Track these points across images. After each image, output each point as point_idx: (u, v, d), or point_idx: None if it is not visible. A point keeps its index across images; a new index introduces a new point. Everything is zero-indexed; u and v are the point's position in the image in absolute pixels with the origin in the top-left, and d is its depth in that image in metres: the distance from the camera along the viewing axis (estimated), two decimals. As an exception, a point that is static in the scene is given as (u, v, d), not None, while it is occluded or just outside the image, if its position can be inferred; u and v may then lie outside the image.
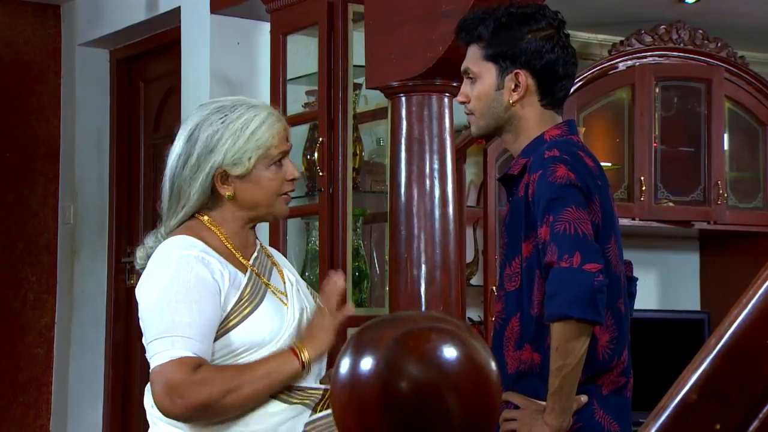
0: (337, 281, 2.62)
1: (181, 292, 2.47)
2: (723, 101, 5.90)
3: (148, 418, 2.59)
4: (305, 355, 2.51)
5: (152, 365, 2.48)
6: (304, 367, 2.51)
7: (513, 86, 2.71)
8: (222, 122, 2.58)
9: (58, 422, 6.19)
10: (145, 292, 2.54)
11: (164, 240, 2.59)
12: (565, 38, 2.75)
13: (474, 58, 2.75)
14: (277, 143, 2.60)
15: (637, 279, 2.87)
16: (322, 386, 2.57)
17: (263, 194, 2.61)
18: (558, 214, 2.53)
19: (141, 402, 2.62)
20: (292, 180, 2.64)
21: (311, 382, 2.57)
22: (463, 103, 2.79)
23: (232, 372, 2.48)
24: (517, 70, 2.70)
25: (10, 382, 6.13)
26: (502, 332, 2.69)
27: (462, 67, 2.78)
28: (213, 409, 2.46)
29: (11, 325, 6.15)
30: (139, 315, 2.56)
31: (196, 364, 2.44)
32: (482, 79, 2.73)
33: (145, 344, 2.53)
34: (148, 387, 2.58)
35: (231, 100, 2.65)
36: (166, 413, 2.48)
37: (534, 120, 2.73)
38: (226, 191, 2.59)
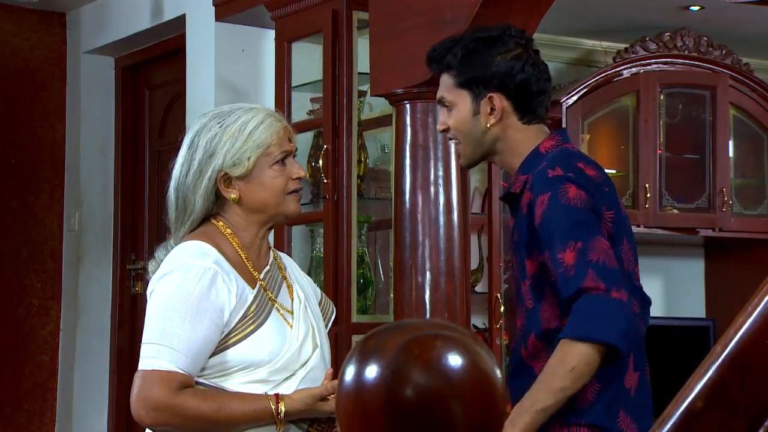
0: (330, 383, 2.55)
1: (180, 302, 2.47)
2: (728, 108, 5.90)
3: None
4: (282, 407, 2.48)
5: (138, 368, 2.50)
6: (277, 420, 2.48)
7: (489, 110, 2.70)
8: (220, 126, 2.57)
9: (63, 429, 6.19)
10: (152, 294, 2.54)
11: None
12: (535, 55, 2.73)
13: (447, 87, 2.74)
14: (276, 142, 2.57)
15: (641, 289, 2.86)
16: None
17: (269, 194, 2.58)
18: (588, 242, 2.50)
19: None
20: (298, 179, 2.61)
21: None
22: (444, 131, 2.79)
23: (211, 409, 2.45)
24: (491, 94, 2.69)
25: (14, 389, 6.13)
26: (527, 346, 2.66)
27: (437, 96, 2.78)
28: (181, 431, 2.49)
29: (16, 332, 6.15)
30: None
31: (180, 383, 2.44)
32: (458, 107, 2.73)
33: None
34: None
35: (230, 106, 2.64)
36: (137, 420, 2.50)
37: (520, 138, 2.71)
38: (231, 194, 2.57)
